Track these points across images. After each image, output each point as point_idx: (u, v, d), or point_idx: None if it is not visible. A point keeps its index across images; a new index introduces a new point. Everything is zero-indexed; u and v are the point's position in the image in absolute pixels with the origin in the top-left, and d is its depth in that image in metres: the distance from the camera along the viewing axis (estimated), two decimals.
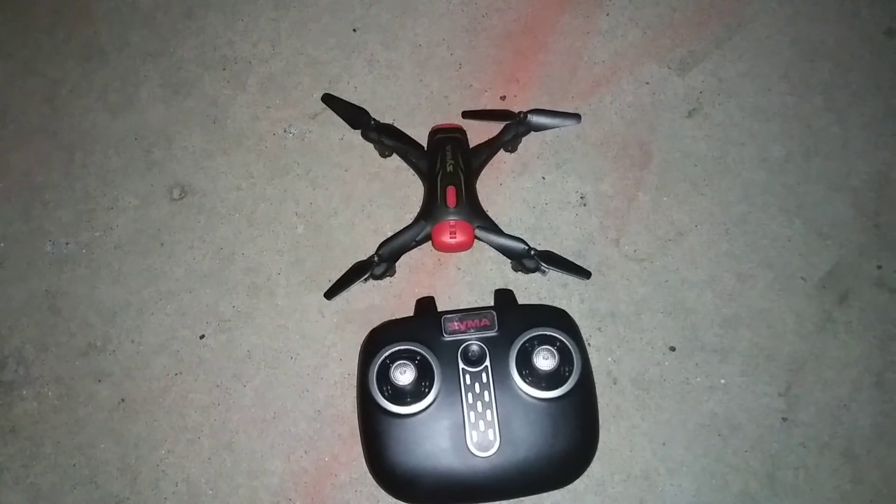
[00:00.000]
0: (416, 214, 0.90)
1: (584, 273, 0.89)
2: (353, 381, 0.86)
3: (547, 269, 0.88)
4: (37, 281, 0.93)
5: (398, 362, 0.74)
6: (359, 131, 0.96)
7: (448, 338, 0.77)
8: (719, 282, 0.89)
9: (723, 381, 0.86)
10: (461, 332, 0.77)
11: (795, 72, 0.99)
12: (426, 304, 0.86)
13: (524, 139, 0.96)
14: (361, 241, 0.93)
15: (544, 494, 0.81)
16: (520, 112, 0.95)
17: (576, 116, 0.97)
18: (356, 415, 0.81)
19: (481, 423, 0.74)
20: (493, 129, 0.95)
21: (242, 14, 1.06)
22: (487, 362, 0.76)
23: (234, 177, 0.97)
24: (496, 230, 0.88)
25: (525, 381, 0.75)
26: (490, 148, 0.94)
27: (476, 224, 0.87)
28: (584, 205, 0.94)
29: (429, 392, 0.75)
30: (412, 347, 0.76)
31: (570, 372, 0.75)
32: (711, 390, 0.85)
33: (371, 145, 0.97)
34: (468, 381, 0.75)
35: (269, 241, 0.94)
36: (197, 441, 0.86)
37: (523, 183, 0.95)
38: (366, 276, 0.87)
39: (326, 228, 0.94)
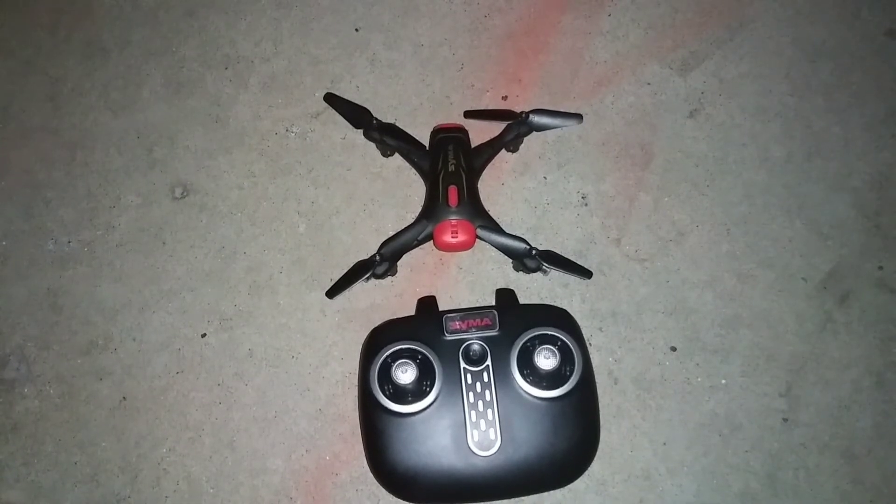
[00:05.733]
0: (417, 214, 0.91)
1: (585, 273, 0.89)
2: (355, 379, 0.86)
3: (548, 269, 0.88)
4: (38, 279, 0.94)
5: (399, 361, 0.74)
6: (361, 131, 0.97)
7: (449, 337, 0.77)
8: (720, 282, 0.90)
9: (723, 381, 0.86)
10: (462, 332, 0.77)
11: (796, 72, 0.99)
12: (427, 304, 0.86)
13: (526, 139, 0.96)
14: (363, 241, 0.93)
15: (545, 494, 0.81)
16: (521, 112, 0.95)
17: (577, 116, 0.97)
18: (357, 414, 0.81)
19: (482, 422, 0.74)
20: (494, 128, 0.95)
21: (245, 13, 1.06)
22: (488, 361, 0.76)
23: (235, 176, 0.97)
24: (497, 230, 0.88)
25: (526, 381, 0.75)
26: (492, 148, 0.94)
27: (477, 223, 0.87)
28: (586, 205, 0.94)
29: (430, 391, 0.75)
30: (413, 346, 0.76)
31: (571, 371, 0.75)
32: (712, 390, 0.85)
33: (373, 145, 0.97)
34: (469, 381, 0.75)
35: (270, 239, 0.94)
36: (198, 439, 0.86)
37: (525, 183, 0.95)
38: (367, 276, 0.87)
39: (328, 227, 0.94)
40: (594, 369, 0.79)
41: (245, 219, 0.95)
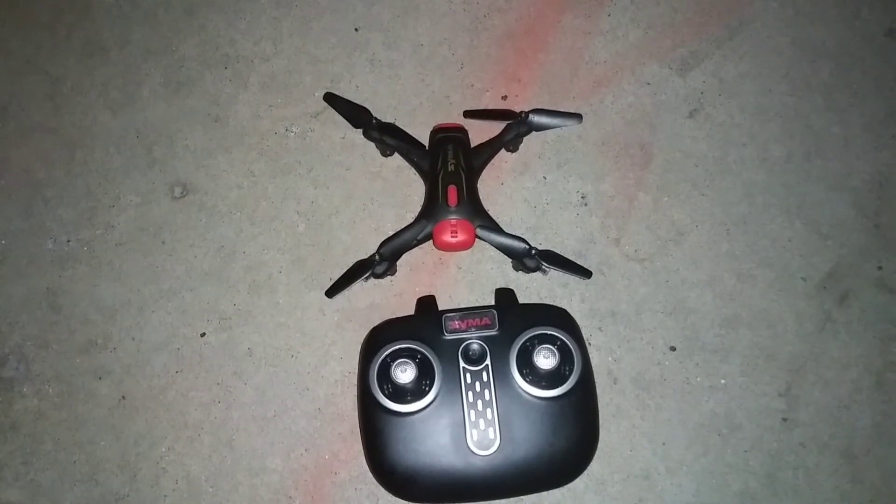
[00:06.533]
0: (417, 213, 0.90)
1: (584, 273, 0.89)
2: (354, 379, 0.86)
3: (548, 269, 0.88)
4: (38, 278, 0.93)
5: (399, 361, 0.74)
6: (360, 130, 0.97)
7: (449, 336, 0.77)
8: (720, 282, 0.90)
9: (723, 380, 0.86)
10: (462, 331, 0.77)
11: (796, 72, 0.99)
12: (427, 303, 0.86)
13: (525, 139, 0.96)
14: (362, 240, 0.93)
15: (544, 493, 0.81)
16: (521, 112, 0.95)
17: (577, 116, 0.97)
18: (356, 413, 0.81)
19: (481, 421, 0.74)
20: (494, 128, 0.95)
21: (244, 12, 1.06)
22: (488, 361, 0.76)
23: (235, 175, 0.97)
24: (497, 229, 0.88)
25: (525, 380, 0.75)
26: (491, 147, 0.94)
27: (477, 223, 0.87)
28: (585, 204, 0.94)
29: (429, 390, 0.75)
30: (413, 346, 0.76)
31: (571, 371, 0.75)
32: (711, 390, 0.85)
33: (372, 144, 0.97)
34: (469, 380, 0.75)
35: (270, 239, 0.94)
36: (197, 438, 0.86)
37: (524, 182, 0.95)
38: (367, 275, 0.87)
39: (328, 227, 0.94)
40: (593, 369, 0.79)
41: (244, 218, 0.95)
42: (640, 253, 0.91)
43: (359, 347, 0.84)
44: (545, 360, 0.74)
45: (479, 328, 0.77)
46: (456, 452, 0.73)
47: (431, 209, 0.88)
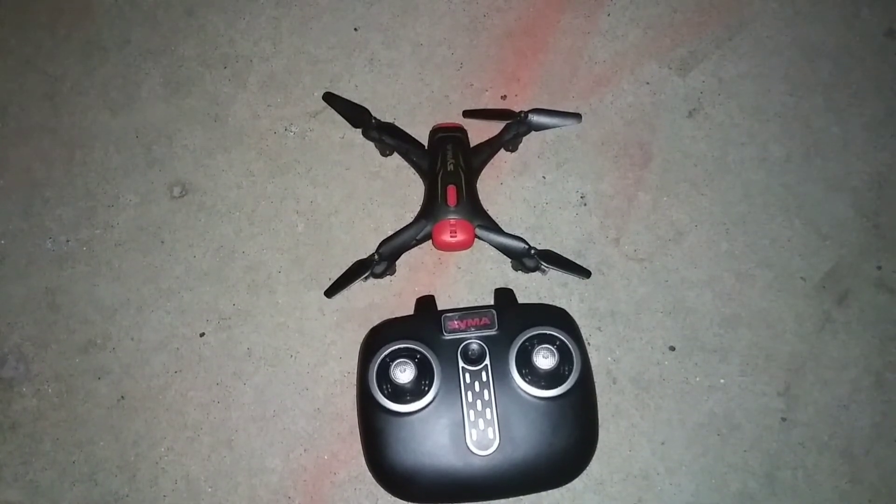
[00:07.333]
0: (416, 213, 0.90)
1: (584, 272, 0.89)
2: (353, 379, 0.86)
3: (547, 269, 0.88)
4: (37, 278, 0.93)
5: (398, 360, 0.74)
6: (360, 130, 0.97)
7: (448, 336, 0.77)
8: (719, 282, 0.90)
9: (722, 380, 0.86)
10: (461, 331, 0.77)
11: (796, 72, 0.99)
12: (426, 303, 0.86)
13: (525, 139, 0.96)
14: (362, 240, 0.93)
15: (543, 493, 0.81)
16: (520, 111, 0.95)
17: (576, 116, 0.97)
18: (356, 413, 0.81)
19: (481, 421, 0.74)
20: (493, 128, 0.95)
21: (244, 12, 1.06)
22: (487, 361, 0.76)
23: (234, 175, 0.97)
24: (496, 229, 0.88)
25: (525, 380, 0.75)
26: (491, 147, 0.94)
27: (476, 223, 0.87)
28: (585, 204, 0.94)
29: (428, 390, 0.75)
30: (412, 346, 0.76)
31: (570, 371, 0.75)
32: (711, 390, 0.85)
33: (372, 144, 0.97)
34: (468, 380, 0.75)
35: (269, 239, 0.94)
36: (196, 439, 0.86)
37: (524, 182, 0.95)
38: (366, 275, 0.87)
39: (327, 227, 0.94)
40: (593, 369, 0.79)
41: (244, 218, 0.95)
42: (639, 253, 0.91)
43: (358, 347, 0.84)
44: (544, 359, 0.74)
45: (478, 328, 0.77)
46: (455, 452, 0.73)
47: (431, 209, 0.88)
